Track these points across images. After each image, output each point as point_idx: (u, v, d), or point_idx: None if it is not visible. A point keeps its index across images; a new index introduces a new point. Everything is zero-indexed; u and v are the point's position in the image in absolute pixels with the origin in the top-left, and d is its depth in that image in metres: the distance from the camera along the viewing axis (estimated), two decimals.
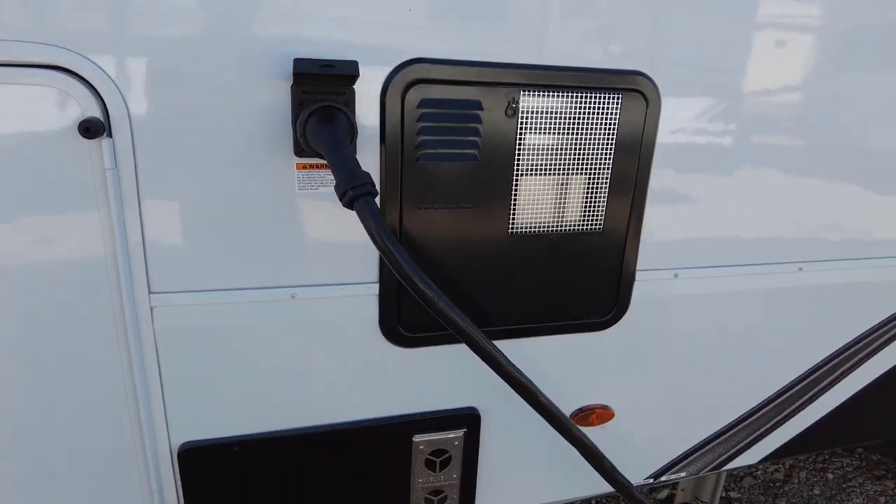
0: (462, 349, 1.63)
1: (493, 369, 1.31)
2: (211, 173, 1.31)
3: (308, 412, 1.57)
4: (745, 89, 1.62)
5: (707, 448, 2.08)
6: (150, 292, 1.35)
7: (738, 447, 2.12)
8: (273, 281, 1.42)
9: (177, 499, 1.56)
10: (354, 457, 1.64)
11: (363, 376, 1.59)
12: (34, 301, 1.29)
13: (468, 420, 1.71)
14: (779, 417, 2.10)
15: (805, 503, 3.27)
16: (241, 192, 1.34)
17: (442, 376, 1.66)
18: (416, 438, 1.67)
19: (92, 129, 1.18)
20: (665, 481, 2.13)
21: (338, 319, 1.51)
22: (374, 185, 1.14)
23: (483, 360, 1.29)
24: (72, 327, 1.33)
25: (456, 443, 1.71)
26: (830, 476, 3.50)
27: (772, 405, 2.07)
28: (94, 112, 1.20)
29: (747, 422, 2.08)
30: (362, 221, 1.14)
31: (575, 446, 1.49)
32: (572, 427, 1.47)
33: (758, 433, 2.11)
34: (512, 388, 1.35)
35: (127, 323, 1.35)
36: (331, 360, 1.54)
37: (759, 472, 3.48)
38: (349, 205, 1.14)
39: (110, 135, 1.22)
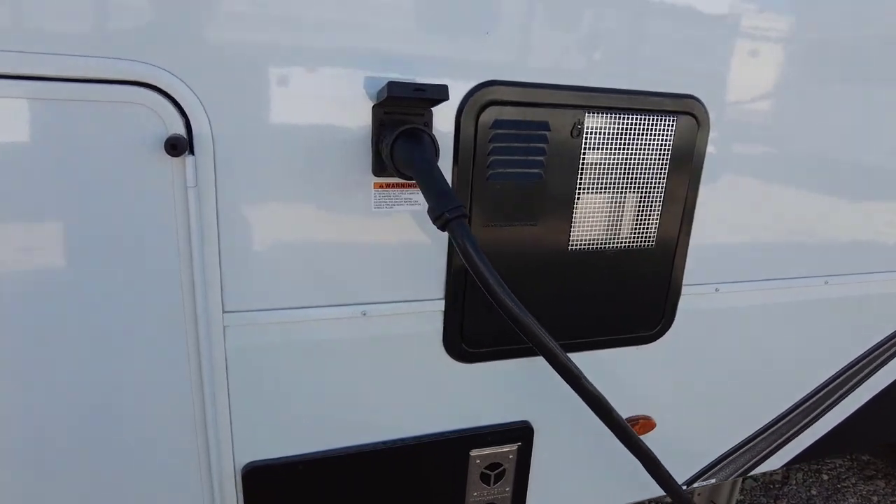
0: (517, 364, 1.67)
1: (572, 385, 1.33)
2: (288, 191, 1.31)
3: (372, 429, 1.57)
4: (784, 112, 1.71)
5: (737, 454, 2.15)
6: (223, 311, 1.33)
7: (764, 453, 2.20)
8: (345, 298, 1.43)
9: None
10: (414, 472, 1.64)
11: (426, 392, 1.60)
12: (106, 316, 1.26)
13: (522, 434, 1.73)
14: (803, 423, 2.19)
15: (805, 503, 3.39)
16: (317, 211, 1.34)
17: (498, 391, 1.68)
18: (474, 453, 1.69)
19: (178, 146, 1.17)
20: (696, 487, 2.19)
21: (405, 336, 1.52)
22: (465, 208, 1.16)
23: (563, 376, 1.32)
24: (142, 344, 1.31)
25: (510, 456, 1.74)
26: (825, 477, 3.64)
27: (797, 411, 2.16)
28: (179, 129, 1.19)
29: (774, 427, 2.16)
30: (457, 243, 1.16)
31: (639, 458, 1.53)
32: (639, 441, 1.51)
33: (783, 438, 2.20)
34: (587, 403, 1.38)
35: (200, 341, 1.33)
36: (396, 377, 1.55)
37: (758, 475, 3.60)
38: (443, 227, 1.16)
39: (193, 152, 1.21)
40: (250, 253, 1.32)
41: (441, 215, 1.14)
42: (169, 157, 1.19)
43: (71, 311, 1.24)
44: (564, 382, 1.33)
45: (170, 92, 1.17)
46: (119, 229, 1.22)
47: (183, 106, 1.18)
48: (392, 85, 1.17)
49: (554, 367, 1.30)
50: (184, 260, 1.27)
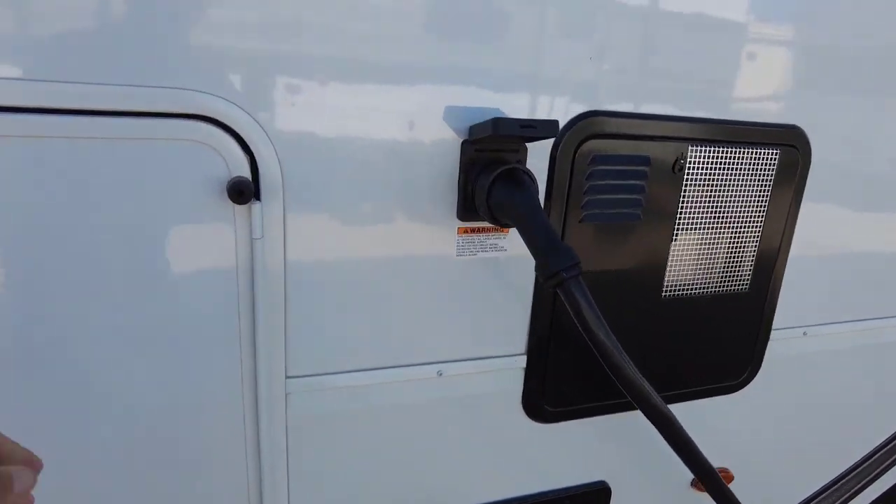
0: (593, 423, 1.50)
1: (678, 451, 1.17)
2: (361, 240, 1.13)
3: (442, 495, 1.39)
4: (885, 147, 1.55)
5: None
6: (286, 377, 1.15)
7: (838, 502, 2.04)
8: (420, 357, 1.25)
9: None
10: None
11: (502, 454, 1.42)
12: (161, 378, 1.08)
13: (600, 495, 1.56)
14: (879, 469, 2.04)
15: None
16: (394, 262, 1.17)
17: (575, 451, 1.51)
18: None
19: (245, 192, 1.00)
20: None
21: (482, 395, 1.34)
22: (580, 262, 0.99)
23: (669, 441, 1.16)
24: (197, 412, 1.13)
25: None
26: None
27: (874, 457, 2.01)
28: (244, 172, 1.01)
29: (851, 475, 2.00)
30: (570, 303, 0.99)
31: None
32: (729, 492, 1.34)
33: (858, 486, 2.04)
34: (690, 466, 1.21)
35: (259, 409, 1.15)
36: (470, 440, 1.37)
37: None
38: (557, 286, 0.99)
39: (259, 198, 1.03)
40: (316, 310, 1.14)
41: (556, 274, 0.97)
42: (232, 204, 1.01)
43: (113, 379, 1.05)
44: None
45: (233, 126, 0.99)
46: (171, 288, 1.04)
47: (248, 143, 1.00)
48: (498, 122, 1.00)
49: (663, 433, 1.14)
50: (244, 319, 1.09)
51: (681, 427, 1.15)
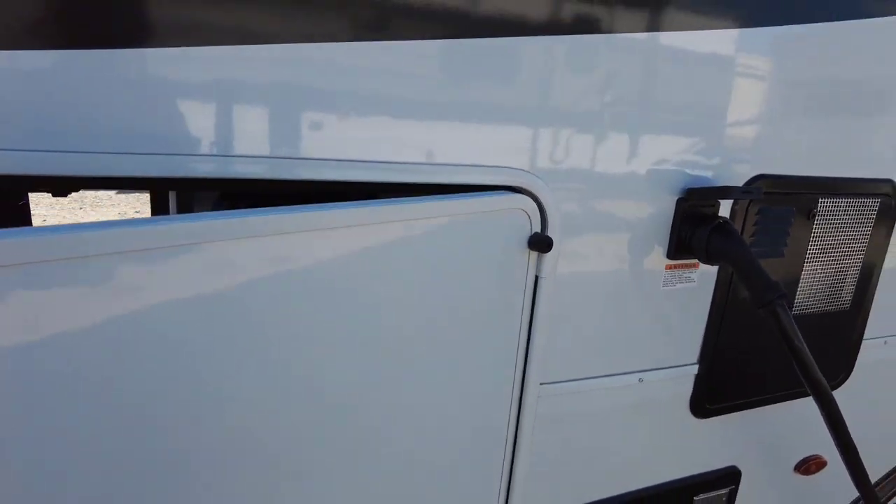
0: (733, 418, 1.85)
1: (832, 428, 1.52)
2: (597, 277, 1.47)
3: (628, 479, 1.73)
4: None
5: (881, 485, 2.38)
6: (540, 383, 1.47)
7: None
8: (628, 367, 1.59)
9: None
10: None
11: (668, 446, 1.76)
12: (443, 391, 1.39)
13: (732, 478, 1.91)
14: None
15: None
16: (618, 291, 1.51)
17: (718, 441, 1.86)
18: (697, 497, 1.86)
19: (549, 243, 1.31)
20: None
21: (663, 398, 1.68)
22: (786, 293, 1.36)
23: (828, 421, 1.51)
24: (467, 416, 1.43)
25: (724, 498, 1.91)
26: None
27: None
28: (538, 227, 1.34)
29: None
30: (779, 323, 1.35)
31: (862, 491, 1.73)
32: (868, 480, 1.70)
33: None
34: (839, 444, 1.57)
35: (523, 410, 1.46)
36: (651, 435, 1.71)
37: None
38: (769, 311, 1.34)
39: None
40: (562, 332, 1.47)
41: (771, 301, 1.33)
42: (530, 251, 1.33)
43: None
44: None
45: (537, 194, 1.32)
46: (470, 319, 1.35)
47: (545, 206, 1.33)
48: (728, 189, 1.37)
49: (827, 417, 1.49)
50: (522, 340, 1.41)
51: (839, 412, 1.51)
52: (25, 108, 0.94)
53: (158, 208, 2.47)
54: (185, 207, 2.27)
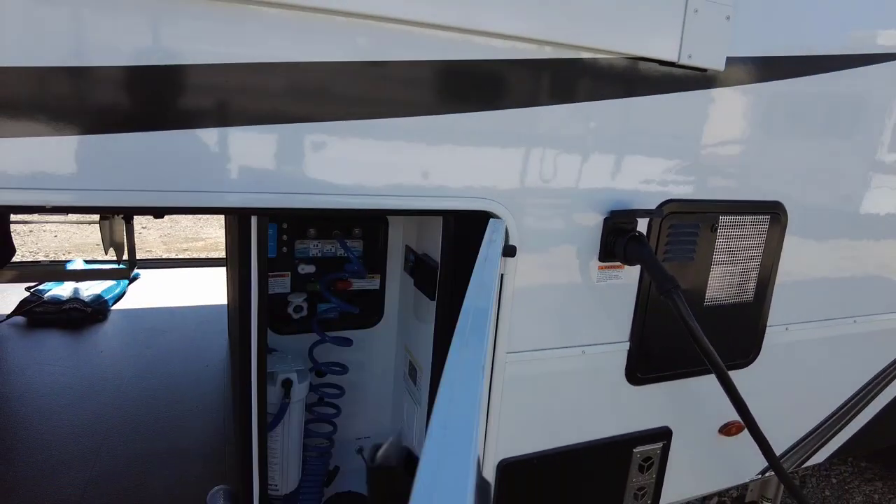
0: (664, 386, 2.39)
1: (730, 395, 2.06)
2: (549, 273, 2.02)
3: (578, 432, 2.26)
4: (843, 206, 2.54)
5: (794, 451, 2.90)
6: (506, 352, 2.01)
7: (812, 449, 2.96)
8: (574, 342, 2.13)
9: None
10: (597, 464, 2.32)
11: (610, 407, 2.30)
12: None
13: (665, 435, 2.44)
14: (839, 426, 2.98)
15: (821, 503, 4.16)
16: (565, 285, 2.06)
17: (652, 404, 2.40)
18: (636, 450, 2.38)
19: (513, 251, 1.87)
20: (765, 476, 2.93)
21: (603, 367, 2.22)
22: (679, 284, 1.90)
23: (725, 390, 2.04)
24: None
25: (658, 452, 2.44)
26: (834, 481, 4.43)
27: (834, 416, 2.95)
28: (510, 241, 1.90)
29: (819, 430, 2.93)
30: (675, 306, 1.89)
31: (764, 451, 2.25)
32: (768, 443, 2.23)
33: (825, 438, 2.97)
34: (737, 408, 2.10)
35: (494, 373, 2.00)
36: (594, 396, 2.25)
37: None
38: (667, 296, 1.89)
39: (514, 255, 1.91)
40: (522, 314, 2.02)
41: (668, 290, 1.88)
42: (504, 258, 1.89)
43: None
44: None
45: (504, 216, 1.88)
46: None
47: (509, 226, 1.88)
48: (638, 211, 1.92)
49: (723, 384, 2.03)
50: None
51: (734, 384, 2.04)
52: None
53: None
54: None
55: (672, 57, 1.96)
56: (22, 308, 4.54)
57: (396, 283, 2.65)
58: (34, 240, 8.86)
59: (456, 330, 0.96)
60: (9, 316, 4.49)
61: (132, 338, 4.31)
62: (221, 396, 3.45)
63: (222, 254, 8.38)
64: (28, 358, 3.83)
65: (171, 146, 1.45)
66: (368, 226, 2.50)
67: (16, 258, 7.79)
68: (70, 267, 5.38)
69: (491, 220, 1.78)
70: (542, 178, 1.92)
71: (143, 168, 1.44)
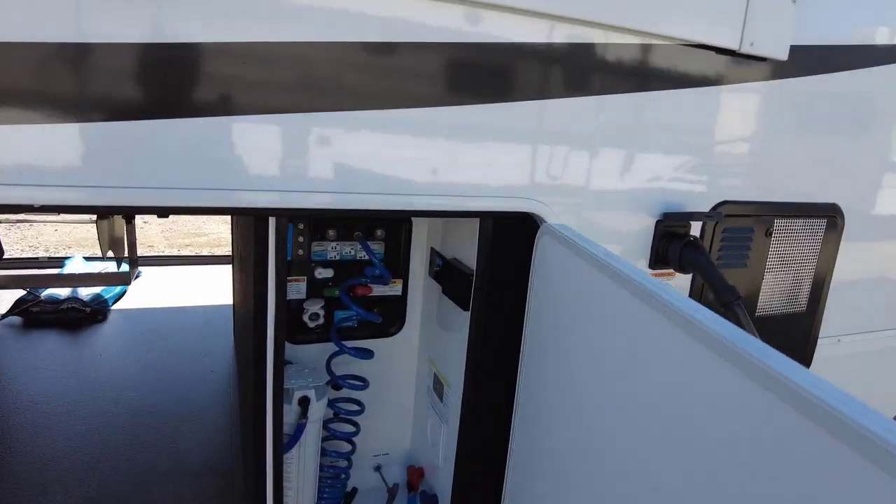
0: None
1: None
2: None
3: None
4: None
5: None
6: None
7: None
8: None
9: None
10: None
11: None
12: None
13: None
14: None
15: None
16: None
17: None
18: None
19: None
20: None
21: None
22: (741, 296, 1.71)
23: None
24: None
25: None
26: None
27: None
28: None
29: None
30: (737, 320, 1.70)
31: None
32: None
33: None
34: None
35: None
36: None
37: None
38: (727, 308, 1.70)
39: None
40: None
41: (729, 301, 1.68)
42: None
43: None
44: None
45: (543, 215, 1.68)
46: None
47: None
48: (694, 213, 1.73)
49: None
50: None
51: None
52: None
53: None
54: None
55: (733, 45, 1.77)
56: (18, 307, 4.35)
57: (419, 289, 2.45)
58: (34, 234, 8.67)
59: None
60: (3, 316, 4.30)
61: (133, 340, 4.12)
62: (228, 406, 3.26)
63: (226, 250, 8.19)
64: (23, 362, 3.64)
65: (178, 137, 1.25)
66: (391, 226, 2.30)
67: (14, 254, 7.60)
68: (69, 264, 5.18)
69: None
70: (588, 176, 1.73)
71: (146, 162, 1.24)
